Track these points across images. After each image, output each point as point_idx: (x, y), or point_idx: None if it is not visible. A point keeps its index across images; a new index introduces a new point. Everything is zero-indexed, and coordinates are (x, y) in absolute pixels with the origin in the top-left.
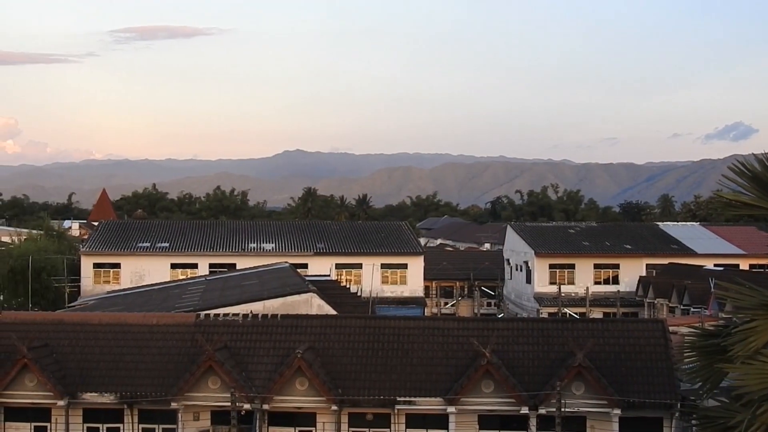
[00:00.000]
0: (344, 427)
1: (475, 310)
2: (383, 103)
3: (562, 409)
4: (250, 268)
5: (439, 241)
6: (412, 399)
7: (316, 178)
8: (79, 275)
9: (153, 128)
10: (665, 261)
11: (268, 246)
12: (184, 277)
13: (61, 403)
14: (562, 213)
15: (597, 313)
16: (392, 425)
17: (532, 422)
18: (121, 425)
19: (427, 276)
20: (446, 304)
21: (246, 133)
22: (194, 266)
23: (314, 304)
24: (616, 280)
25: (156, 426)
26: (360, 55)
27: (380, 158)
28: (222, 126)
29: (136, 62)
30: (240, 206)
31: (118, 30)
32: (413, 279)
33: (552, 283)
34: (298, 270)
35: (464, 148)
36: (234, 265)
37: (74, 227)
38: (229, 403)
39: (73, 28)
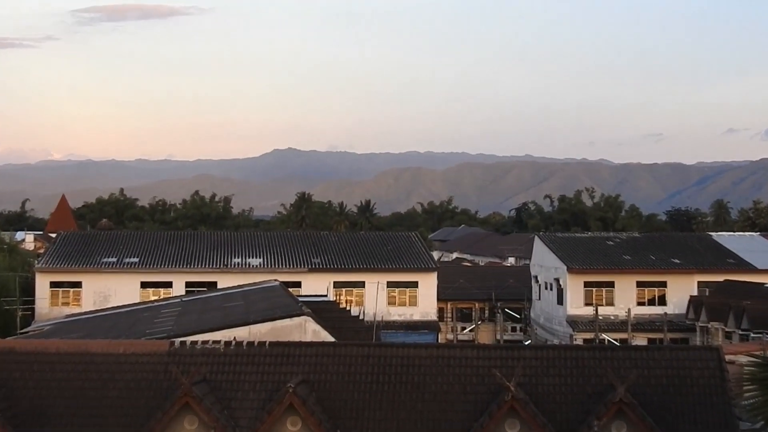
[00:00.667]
0: None
1: (498, 336)
2: (389, 95)
3: None
4: (233, 287)
5: (455, 255)
6: None
7: (311, 182)
8: (34, 296)
9: (121, 124)
10: (720, 278)
11: (255, 261)
12: (156, 298)
13: None
14: (599, 222)
15: (640, 340)
16: None
17: None
18: None
19: (442, 296)
20: (464, 329)
21: (230, 130)
22: (168, 285)
23: (308, 330)
24: (662, 301)
25: None
26: (363, 38)
27: (386, 158)
28: (202, 121)
29: (102, 47)
30: (222, 215)
31: (82, 9)
32: (425, 299)
33: (587, 304)
34: (290, 289)
35: (484, 147)
36: (215, 283)
37: (28, 239)
38: None
39: (28, 8)
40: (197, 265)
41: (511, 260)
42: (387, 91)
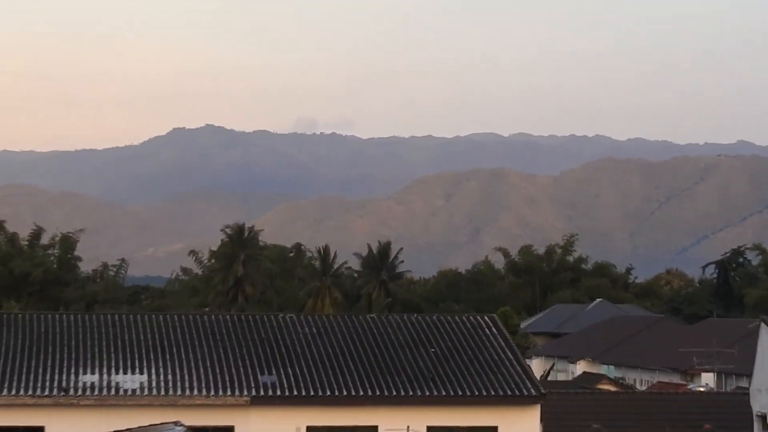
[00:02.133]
0: None
1: None
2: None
3: None
4: None
5: (580, 367)
6: None
7: (258, 196)
8: None
9: None
10: None
11: (132, 381)
12: None
13: None
14: None
15: None
16: None
17: None
18: None
19: None
20: None
21: (73, 95)
22: None
23: None
24: None
25: None
26: None
27: (419, 146)
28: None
29: None
30: (56, 272)
31: None
32: None
33: None
34: None
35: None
36: (40, 430)
37: None
38: None
39: None
40: (4, 391)
41: (708, 380)
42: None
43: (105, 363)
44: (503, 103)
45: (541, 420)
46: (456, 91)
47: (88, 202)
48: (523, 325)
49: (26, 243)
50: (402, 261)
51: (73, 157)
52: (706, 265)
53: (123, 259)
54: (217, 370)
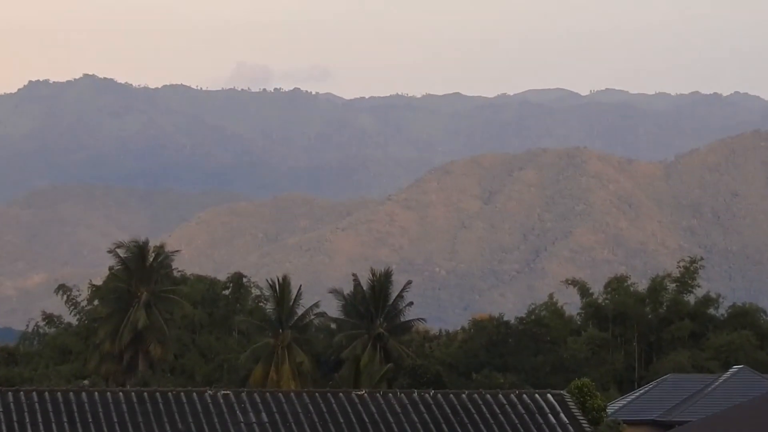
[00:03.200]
0: None
1: None
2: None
3: None
4: None
5: None
6: None
7: (171, 194)
8: None
9: None
10: None
11: None
12: None
13: None
14: None
15: None
16: None
17: None
18: None
19: None
20: None
21: None
22: None
23: None
24: None
25: None
26: None
27: (439, 111)
28: None
29: None
30: None
31: None
32: None
33: None
34: None
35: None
36: None
37: None
38: None
39: None
40: None
41: None
42: None
43: None
44: (577, 42)
45: None
46: (501, 22)
47: None
48: (611, 408)
49: None
50: (411, 303)
51: None
52: None
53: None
54: None
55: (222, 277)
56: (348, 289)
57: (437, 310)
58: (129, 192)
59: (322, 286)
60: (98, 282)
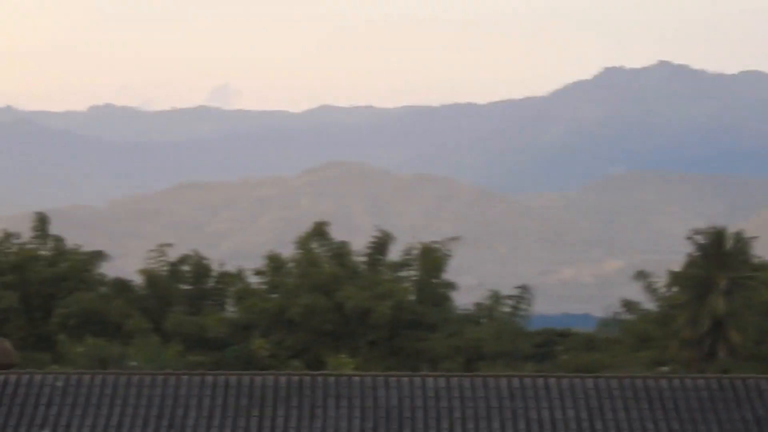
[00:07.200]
0: None
1: None
2: None
3: None
4: None
5: None
6: None
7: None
8: None
9: None
10: None
11: None
12: None
13: None
14: None
15: None
16: None
17: None
18: None
19: None
20: None
21: None
22: None
23: None
24: None
25: None
26: None
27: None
28: None
29: None
30: (414, 308)
31: None
32: None
33: None
34: None
35: None
36: None
37: None
38: None
39: None
40: None
41: None
42: None
43: None
44: None
45: None
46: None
47: (459, 188)
48: None
49: (364, 259)
50: None
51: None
52: None
53: (524, 286)
54: None
55: None
56: None
57: None
58: (705, 179)
59: None
60: (676, 268)
